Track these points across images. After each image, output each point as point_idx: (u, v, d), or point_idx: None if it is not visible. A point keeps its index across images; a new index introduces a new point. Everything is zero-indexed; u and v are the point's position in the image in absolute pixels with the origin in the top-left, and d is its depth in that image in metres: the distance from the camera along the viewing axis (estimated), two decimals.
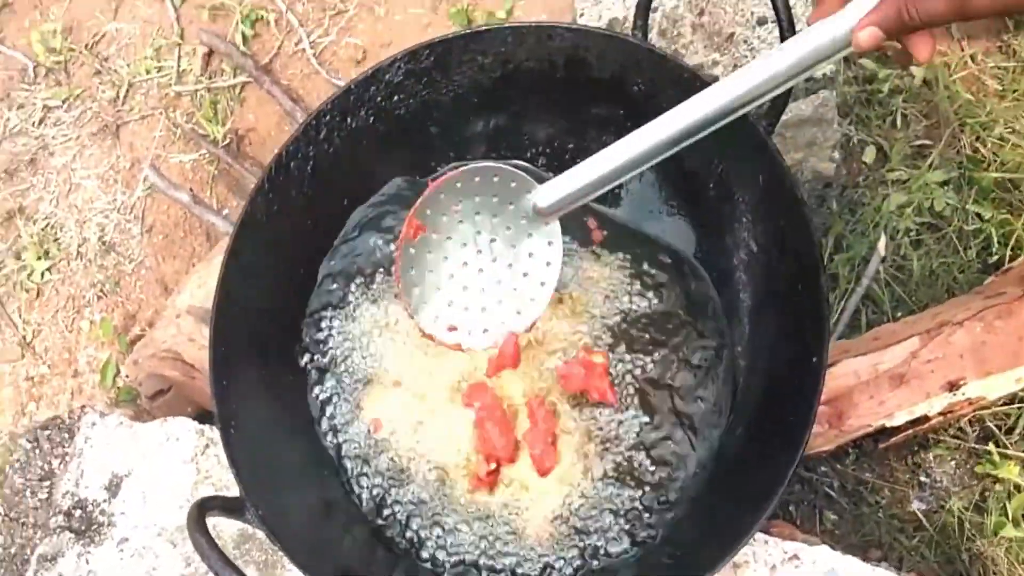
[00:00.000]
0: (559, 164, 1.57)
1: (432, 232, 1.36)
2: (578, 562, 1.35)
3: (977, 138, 2.00)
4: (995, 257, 1.91)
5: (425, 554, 1.38)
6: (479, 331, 1.41)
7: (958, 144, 2.01)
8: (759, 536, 1.46)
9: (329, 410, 1.46)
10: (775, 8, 1.30)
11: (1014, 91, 2.04)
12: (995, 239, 1.90)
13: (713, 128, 1.15)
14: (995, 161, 1.97)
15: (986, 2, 0.86)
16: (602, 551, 1.36)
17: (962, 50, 2.11)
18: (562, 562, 1.35)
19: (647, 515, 1.38)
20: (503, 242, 1.37)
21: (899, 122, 2.05)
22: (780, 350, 1.38)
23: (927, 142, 2.03)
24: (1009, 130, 1.98)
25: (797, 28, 1.31)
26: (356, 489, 1.42)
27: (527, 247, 1.37)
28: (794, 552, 1.45)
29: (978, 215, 1.93)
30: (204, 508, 1.13)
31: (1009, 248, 1.89)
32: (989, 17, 0.92)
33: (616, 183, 1.25)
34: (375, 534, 1.40)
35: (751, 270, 1.45)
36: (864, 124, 2.04)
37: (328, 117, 1.42)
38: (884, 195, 1.96)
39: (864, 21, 0.95)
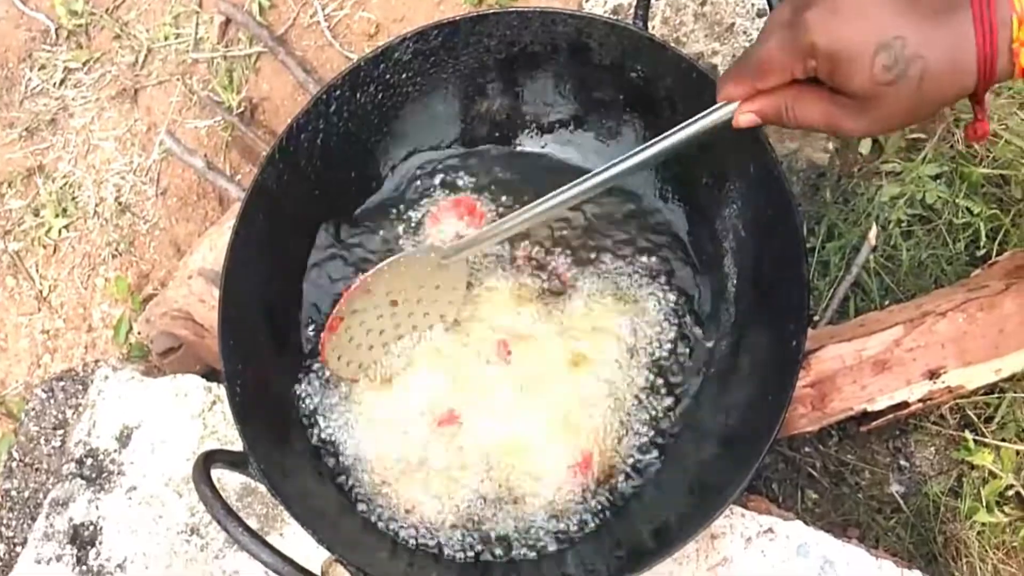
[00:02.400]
0: (560, 143, 1.63)
1: (350, 317, 1.45)
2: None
3: None
4: (983, 251, 1.92)
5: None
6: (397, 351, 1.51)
7: (952, 139, 2.01)
8: (736, 509, 1.51)
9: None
10: (769, 4, 1.34)
11: (1009, 89, 2.04)
12: (983, 233, 1.91)
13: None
14: (987, 157, 1.97)
15: (855, 129, 0.95)
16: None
17: None
18: None
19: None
20: (413, 289, 1.47)
21: None
22: (763, 333, 1.42)
23: (921, 136, 2.03)
24: (1002, 127, 1.98)
25: None
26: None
27: (435, 282, 1.47)
28: (769, 526, 1.49)
29: (968, 209, 1.93)
30: (209, 460, 1.17)
31: (996, 243, 1.91)
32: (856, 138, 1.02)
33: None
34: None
35: (739, 256, 1.49)
36: None
37: (338, 92, 1.46)
38: (877, 186, 1.98)
39: (749, 107, 1.05)
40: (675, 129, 1.15)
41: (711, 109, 1.10)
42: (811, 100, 0.98)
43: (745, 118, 1.05)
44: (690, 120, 1.14)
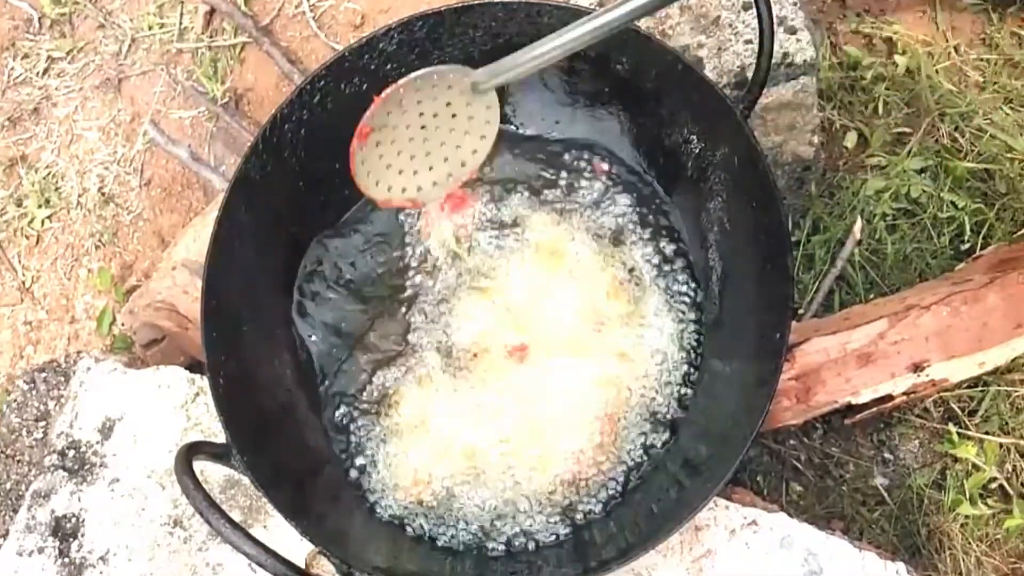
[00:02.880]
0: (544, 136, 1.62)
1: (380, 131, 1.40)
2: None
3: (956, 128, 2.02)
4: (967, 245, 1.93)
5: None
6: (430, 185, 1.41)
7: (937, 133, 2.02)
8: (720, 501, 1.51)
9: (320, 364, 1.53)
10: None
11: (994, 83, 2.06)
12: (968, 227, 1.92)
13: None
14: (972, 151, 1.98)
15: None
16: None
17: (946, 41, 2.13)
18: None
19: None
20: (445, 115, 1.41)
21: (880, 109, 2.06)
22: (747, 325, 1.42)
23: (907, 130, 2.04)
24: (987, 121, 1.99)
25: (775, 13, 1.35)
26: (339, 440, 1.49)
27: (468, 113, 1.40)
28: (753, 518, 1.49)
29: (953, 203, 1.94)
30: (192, 452, 1.16)
31: (981, 236, 1.92)
32: None
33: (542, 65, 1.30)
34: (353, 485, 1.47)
35: (724, 248, 1.48)
36: (847, 110, 2.06)
37: (322, 82, 1.45)
38: (863, 180, 1.98)
39: None
40: None
41: None
42: None
43: None
44: None
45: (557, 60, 1.29)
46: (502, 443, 1.45)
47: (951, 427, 1.79)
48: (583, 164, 1.61)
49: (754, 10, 1.38)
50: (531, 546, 1.42)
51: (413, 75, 1.36)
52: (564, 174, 1.61)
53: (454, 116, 1.41)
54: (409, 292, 1.56)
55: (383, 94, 1.37)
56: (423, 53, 1.50)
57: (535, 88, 1.57)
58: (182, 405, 1.62)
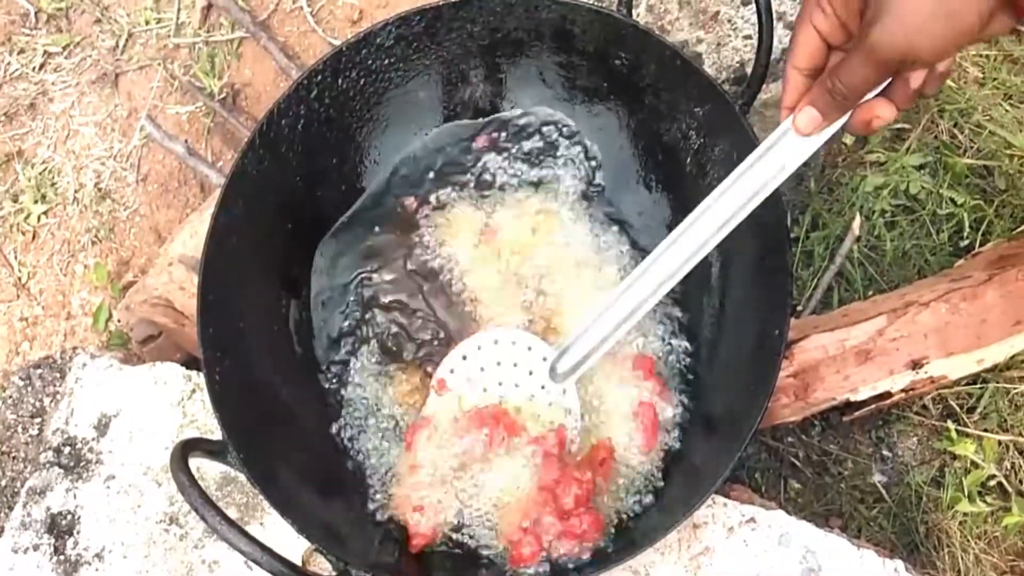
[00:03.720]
0: (545, 133, 1.61)
1: (457, 390, 1.43)
2: None
3: (955, 124, 2.01)
4: (966, 241, 1.93)
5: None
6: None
7: (936, 129, 2.01)
8: (718, 499, 1.50)
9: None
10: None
11: (994, 80, 2.05)
12: (967, 224, 1.92)
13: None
14: (971, 148, 1.98)
15: (892, 37, 0.87)
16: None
17: None
18: None
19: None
20: (522, 395, 1.43)
21: None
22: (746, 323, 1.41)
23: (906, 126, 2.03)
24: (987, 118, 1.99)
25: (775, 8, 1.34)
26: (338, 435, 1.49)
27: (545, 399, 1.42)
28: (751, 515, 1.48)
29: (952, 200, 1.94)
30: (187, 448, 1.15)
31: (980, 233, 1.91)
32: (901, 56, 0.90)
33: (626, 331, 1.32)
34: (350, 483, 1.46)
35: (722, 245, 1.47)
36: None
37: (319, 77, 1.44)
38: (862, 176, 1.98)
39: (800, 105, 1.01)
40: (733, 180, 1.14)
41: (771, 141, 1.07)
42: (845, 61, 0.94)
43: (803, 116, 1.01)
44: (758, 153, 1.11)
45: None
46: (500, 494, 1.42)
47: (950, 424, 1.79)
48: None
49: (753, 5, 1.38)
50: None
51: (492, 331, 1.42)
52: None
53: (532, 399, 1.43)
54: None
55: (461, 345, 1.43)
56: (420, 48, 1.49)
57: (533, 83, 1.57)
58: (178, 402, 1.61)
